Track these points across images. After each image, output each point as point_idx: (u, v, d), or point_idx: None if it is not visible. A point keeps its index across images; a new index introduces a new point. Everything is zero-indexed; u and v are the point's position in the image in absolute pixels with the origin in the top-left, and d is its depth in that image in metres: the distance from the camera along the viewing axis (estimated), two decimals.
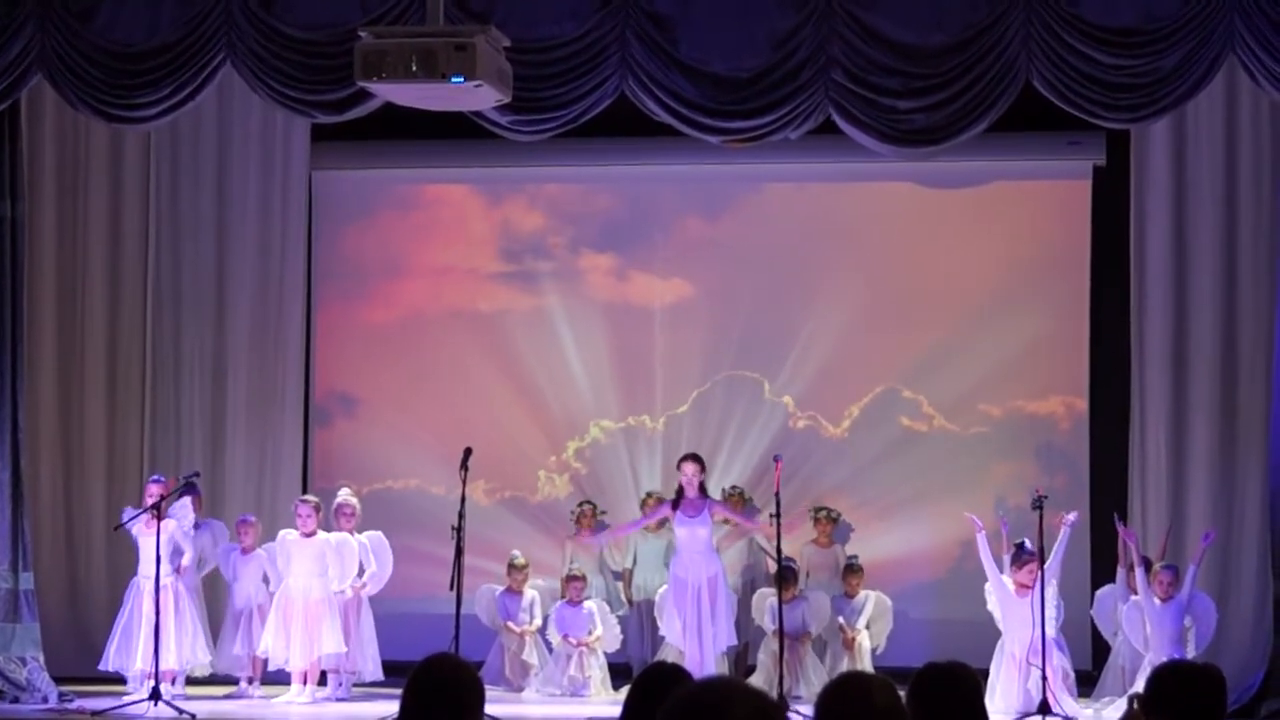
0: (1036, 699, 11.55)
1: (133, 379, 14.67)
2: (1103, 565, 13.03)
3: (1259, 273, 13.33)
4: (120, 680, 12.77)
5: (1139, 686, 6.90)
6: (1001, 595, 12.11)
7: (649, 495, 13.99)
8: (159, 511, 12.25)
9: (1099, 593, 12.76)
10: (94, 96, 12.12)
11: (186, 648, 12.69)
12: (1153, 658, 11.74)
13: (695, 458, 12.74)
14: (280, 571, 12.82)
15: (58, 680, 12.65)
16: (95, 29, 12.06)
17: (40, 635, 12.76)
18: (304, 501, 12.96)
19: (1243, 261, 13.47)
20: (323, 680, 12.88)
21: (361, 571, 12.99)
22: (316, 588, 12.65)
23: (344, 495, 13.25)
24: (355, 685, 13.06)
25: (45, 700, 12.37)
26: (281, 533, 12.90)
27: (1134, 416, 13.71)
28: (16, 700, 12.33)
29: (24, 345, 13.04)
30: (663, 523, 13.31)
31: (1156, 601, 12.06)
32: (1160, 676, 5.08)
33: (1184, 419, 13.57)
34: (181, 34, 11.99)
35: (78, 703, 12.26)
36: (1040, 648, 11.55)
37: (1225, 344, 13.52)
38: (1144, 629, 12.09)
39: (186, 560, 12.79)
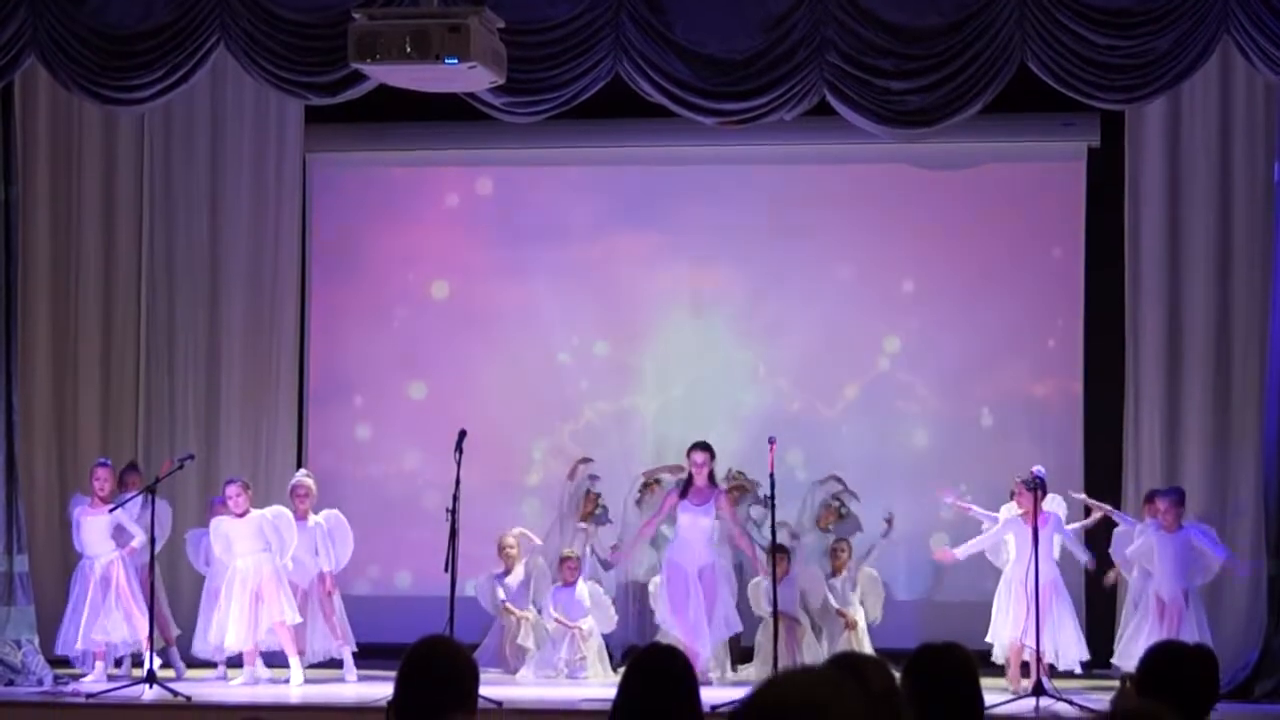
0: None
1: (127, 361, 14.68)
2: (1096, 551, 13.04)
3: (1253, 254, 13.33)
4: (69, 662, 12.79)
5: (1131, 667, 6.91)
6: (1014, 527, 12.23)
7: (649, 482, 13.96)
8: (152, 491, 12.20)
9: (1116, 531, 12.78)
10: (88, 79, 12.10)
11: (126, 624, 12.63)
12: (1157, 586, 12.12)
13: (705, 446, 12.62)
14: (222, 558, 12.73)
15: (52, 663, 12.66)
16: (89, 11, 12.04)
17: (35, 618, 12.76)
18: (232, 482, 12.78)
19: (1238, 242, 13.48)
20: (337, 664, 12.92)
21: (315, 553, 12.99)
22: (266, 563, 12.59)
23: (299, 476, 13.24)
24: (323, 665, 13.06)
25: (40, 683, 12.37)
26: (214, 520, 12.79)
27: (1128, 397, 13.72)
28: (11, 683, 12.33)
29: (18, 327, 13.03)
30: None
31: (1163, 533, 12.23)
32: (1153, 657, 5.09)
33: (1178, 399, 13.59)
34: (175, 16, 11.97)
35: (72, 685, 12.26)
36: (1035, 631, 11.60)
37: (1220, 324, 13.52)
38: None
39: (137, 543, 12.65)
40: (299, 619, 12.65)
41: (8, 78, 12.35)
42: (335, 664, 13.11)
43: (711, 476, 12.54)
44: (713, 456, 12.57)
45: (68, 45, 12.05)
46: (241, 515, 12.60)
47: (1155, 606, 12.13)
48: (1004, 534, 12.36)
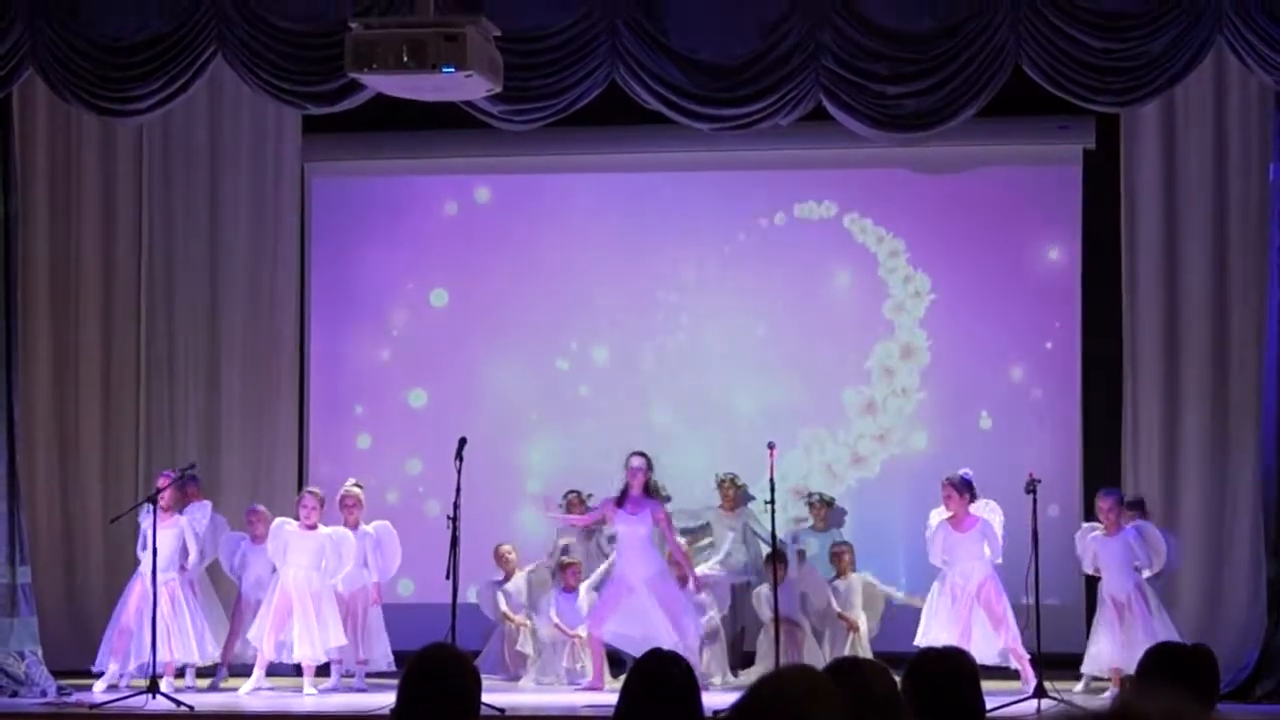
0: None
1: (127, 372, 14.68)
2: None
3: (1249, 253, 13.33)
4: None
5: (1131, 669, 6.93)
6: (942, 531, 12.31)
7: (569, 493, 13.85)
8: (153, 501, 12.21)
9: (1077, 534, 12.79)
10: (85, 90, 12.12)
11: (196, 642, 12.74)
12: (1108, 587, 12.16)
13: (642, 454, 12.63)
14: (273, 559, 12.78)
15: (55, 674, 12.66)
16: (85, 22, 12.06)
17: (38, 629, 12.76)
18: (310, 494, 12.89)
19: (1234, 244, 13.48)
20: (325, 671, 12.90)
21: (364, 564, 13.00)
22: (315, 580, 12.63)
23: (348, 486, 13.26)
24: (367, 676, 13.04)
25: (44, 694, 12.37)
26: (279, 520, 12.84)
27: (1126, 399, 13.74)
28: (15, 694, 12.32)
29: (19, 339, 13.03)
30: (600, 521, 13.24)
31: (1102, 535, 12.27)
32: (1153, 658, 5.10)
33: (1176, 401, 13.59)
34: (172, 26, 11.99)
35: (76, 697, 12.26)
36: (1036, 633, 11.63)
37: (1218, 326, 13.53)
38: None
39: (192, 561, 12.76)
40: (344, 641, 12.70)
41: (6, 90, 12.36)
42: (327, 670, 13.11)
43: (647, 486, 12.53)
44: (650, 465, 12.56)
45: (65, 57, 12.07)
46: (311, 528, 12.65)
47: (1112, 608, 12.17)
48: (935, 539, 12.40)
